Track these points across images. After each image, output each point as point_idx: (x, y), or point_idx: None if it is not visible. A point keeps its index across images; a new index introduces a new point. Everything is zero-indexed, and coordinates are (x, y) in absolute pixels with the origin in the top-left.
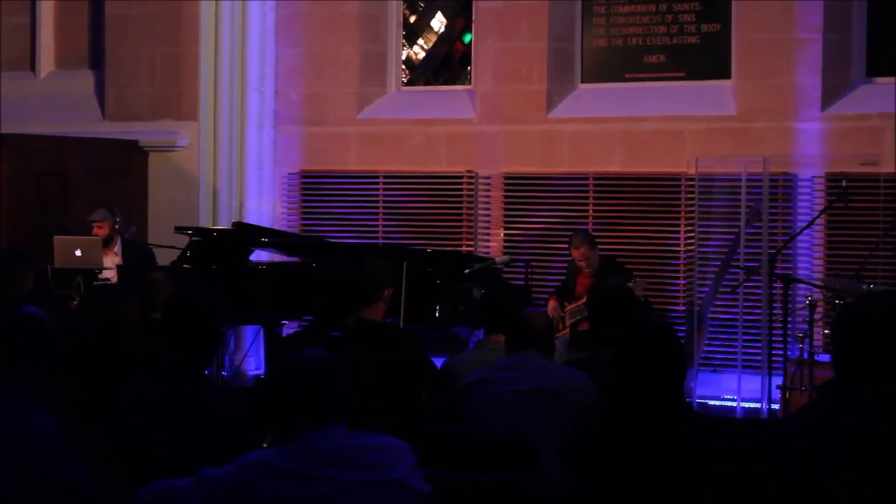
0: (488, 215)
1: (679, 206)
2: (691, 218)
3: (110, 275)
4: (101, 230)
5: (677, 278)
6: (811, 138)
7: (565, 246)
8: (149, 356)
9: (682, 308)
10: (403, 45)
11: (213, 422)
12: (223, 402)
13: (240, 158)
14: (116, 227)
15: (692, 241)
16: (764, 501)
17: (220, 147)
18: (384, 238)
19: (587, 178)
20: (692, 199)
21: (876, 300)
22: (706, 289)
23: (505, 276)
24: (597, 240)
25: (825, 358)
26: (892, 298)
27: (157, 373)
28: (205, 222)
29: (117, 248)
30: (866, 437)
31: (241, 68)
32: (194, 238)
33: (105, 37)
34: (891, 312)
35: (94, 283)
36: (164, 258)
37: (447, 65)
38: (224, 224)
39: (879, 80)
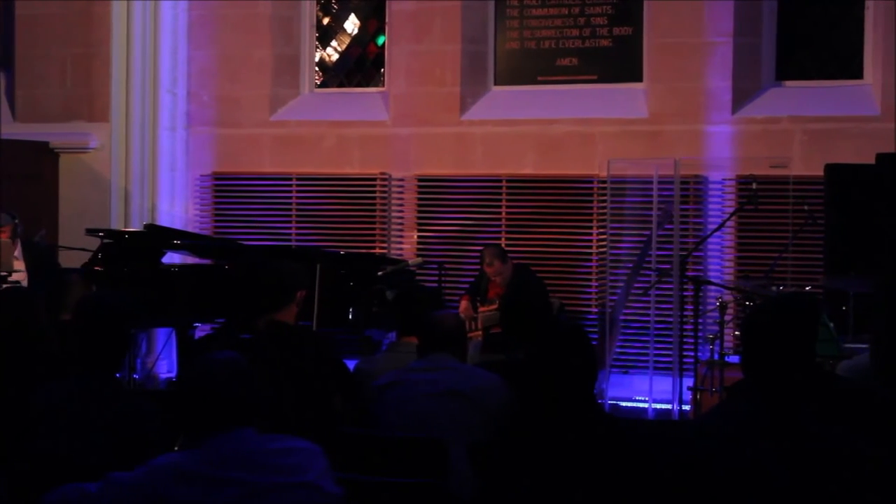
0: (402, 217)
1: (591, 208)
2: (603, 220)
3: (19, 277)
4: (3, 234)
5: (589, 280)
6: (722, 141)
7: (479, 248)
8: (60, 359)
9: (595, 310)
10: (317, 47)
11: (123, 425)
12: (134, 405)
13: (152, 160)
14: (17, 230)
15: (604, 243)
16: (675, 501)
17: (132, 149)
18: (297, 240)
19: (500, 181)
20: (604, 201)
21: (784, 302)
22: (618, 291)
23: (418, 277)
24: (510, 241)
25: (735, 359)
26: (801, 300)
27: (68, 376)
28: (116, 224)
29: (17, 251)
30: (774, 437)
31: (153, 70)
32: (106, 240)
33: (15, 37)
34: (799, 314)
35: (3, 286)
36: (76, 260)
37: (360, 67)
38: (136, 226)
39: (789, 83)
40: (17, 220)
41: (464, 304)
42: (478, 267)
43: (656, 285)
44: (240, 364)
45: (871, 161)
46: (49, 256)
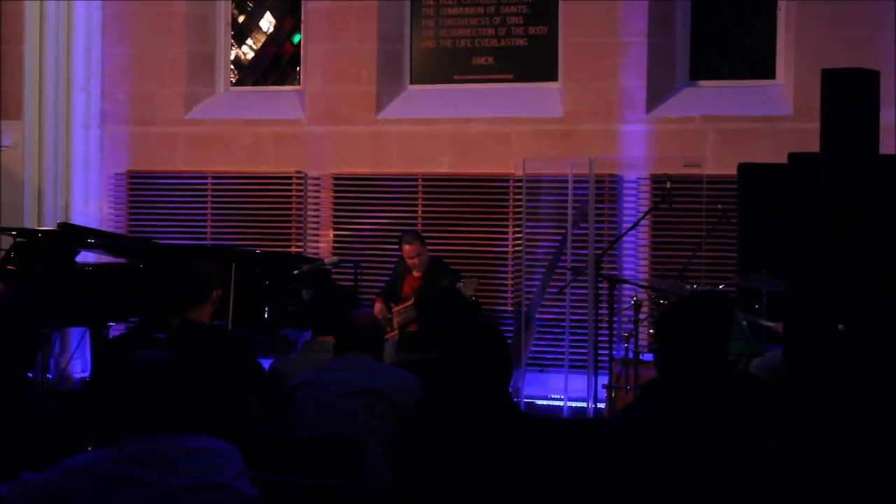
0: (318, 216)
1: (507, 207)
2: (519, 219)
3: None
4: None
5: (505, 279)
6: (636, 140)
7: (394, 247)
8: None
9: (510, 308)
10: (232, 46)
11: (35, 425)
12: (47, 404)
13: (66, 158)
14: None
15: (520, 241)
16: (589, 497)
17: (45, 147)
18: (213, 239)
19: (416, 180)
20: (520, 200)
21: (696, 300)
22: (534, 289)
23: (334, 277)
24: (427, 240)
25: (649, 357)
26: (712, 299)
27: None
28: (29, 223)
29: None
30: (686, 434)
31: (66, 67)
32: (18, 239)
33: None
34: (710, 312)
35: None
36: None
37: (276, 65)
38: (49, 225)
39: (702, 83)
40: None
41: (378, 305)
42: (393, 266)
43: (572, 284)
44: (163, 364)
45: (784, 160)
46: None
